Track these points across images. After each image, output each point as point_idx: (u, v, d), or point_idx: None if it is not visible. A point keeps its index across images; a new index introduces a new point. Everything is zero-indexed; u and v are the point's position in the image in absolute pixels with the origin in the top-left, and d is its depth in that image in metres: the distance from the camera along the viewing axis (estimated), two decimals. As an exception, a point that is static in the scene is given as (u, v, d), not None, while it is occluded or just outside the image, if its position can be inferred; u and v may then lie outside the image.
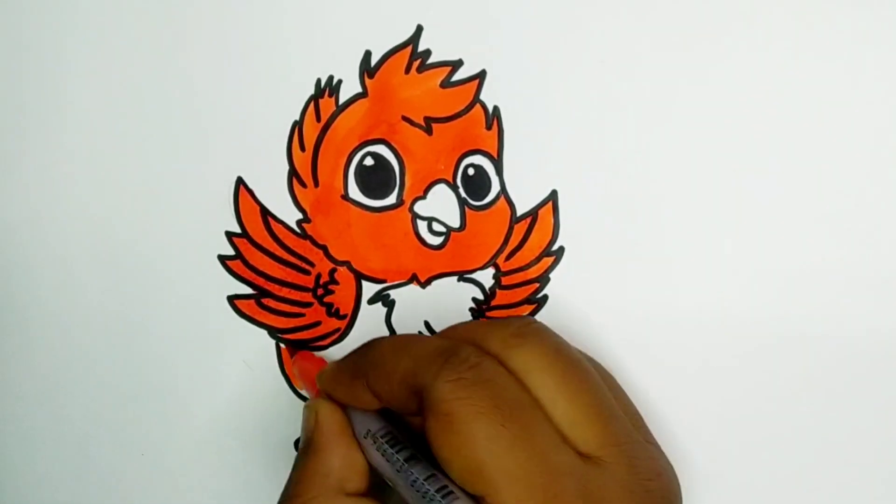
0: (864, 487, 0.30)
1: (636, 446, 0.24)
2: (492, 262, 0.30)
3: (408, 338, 0.26)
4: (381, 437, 0.25)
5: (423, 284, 0.31)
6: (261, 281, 0.31)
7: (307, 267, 0.31)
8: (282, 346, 0.31)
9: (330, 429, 0.26)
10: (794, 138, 0.29)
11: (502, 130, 0.30)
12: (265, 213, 0.30)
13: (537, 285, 0.30)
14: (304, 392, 0.31)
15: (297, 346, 0.31)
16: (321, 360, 0.30)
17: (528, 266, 0.30)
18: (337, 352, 0.31)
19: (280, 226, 0.30)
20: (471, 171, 0.30)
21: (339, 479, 0.25)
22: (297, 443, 0.31)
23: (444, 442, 0.22)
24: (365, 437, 0.25)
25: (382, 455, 0.25)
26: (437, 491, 0.23)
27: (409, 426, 0.26)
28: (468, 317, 0.31)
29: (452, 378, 0.22)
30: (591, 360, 0.27)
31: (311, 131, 0.30)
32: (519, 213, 0.30)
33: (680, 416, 0.30)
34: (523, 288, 0.30)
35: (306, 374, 0.29)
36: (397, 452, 0.24)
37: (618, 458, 0.23)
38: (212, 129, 0.30)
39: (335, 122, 0.30)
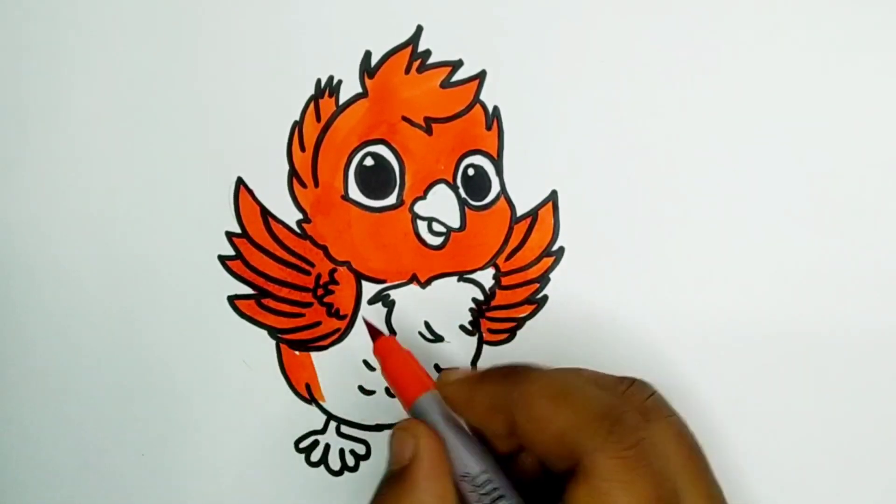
0: (866, 487, 0.30)
1: None
2: (492, 263, 0.30)
3: (567, 386, 0.23)
4: (482, 484, 0.24)
5: (423, 284, 0.31)
6: (261, 281, 0.31)
7: (307, 267, 0.31)
8: (282, 345, 0.31)
9: (431, 464, 0.24)
10: (795, 138, 0.29)
11: (502, 130, 0.30)
12: (265, 213, 0.30)
13: (537, 285, 0.30)
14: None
15: (297, 347, 0.31)
16: (414, 361, 0.27)
17: (528, 266, 0.30)
18: (337, 352, 0.31)
19: (280, 226, 0.30)
20: (471, 172, 0.30)
21: None
22: (297, 442, 0.31)
23: None
24: (463, 478, 0.24)
25: (478, 502, 0.23)
26: None
27: (496, 453, 0.25)
28: (468, 317, 0.31)
29: (618, 454, 0.21)
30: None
31: (311, 131, 0.30)
32: (519, 213, 0.30)
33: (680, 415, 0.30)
34: (523, 288, 0.30)
35: (396, 370, 0.27)
36: (494, 501, 0.23)
37: None
38: (212, 129, 0.30)
39: (335, 122, 0.30)
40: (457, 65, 0.30)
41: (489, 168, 0.30)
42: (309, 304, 0.31)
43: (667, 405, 0.23)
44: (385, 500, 0.24)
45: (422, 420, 0.25)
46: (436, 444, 0.24)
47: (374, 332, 0.29)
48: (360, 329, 0.31)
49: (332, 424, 0.31)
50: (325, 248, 0.30)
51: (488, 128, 0.30)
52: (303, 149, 0.30)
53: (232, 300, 0.31)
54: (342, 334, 0.31)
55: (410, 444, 0.24)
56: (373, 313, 0.31)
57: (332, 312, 0.31)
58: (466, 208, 0.30)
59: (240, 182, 0.30)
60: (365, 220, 0.30)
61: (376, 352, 0.28)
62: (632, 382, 0.24)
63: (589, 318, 0.30)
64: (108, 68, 0.30)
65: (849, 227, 0.29)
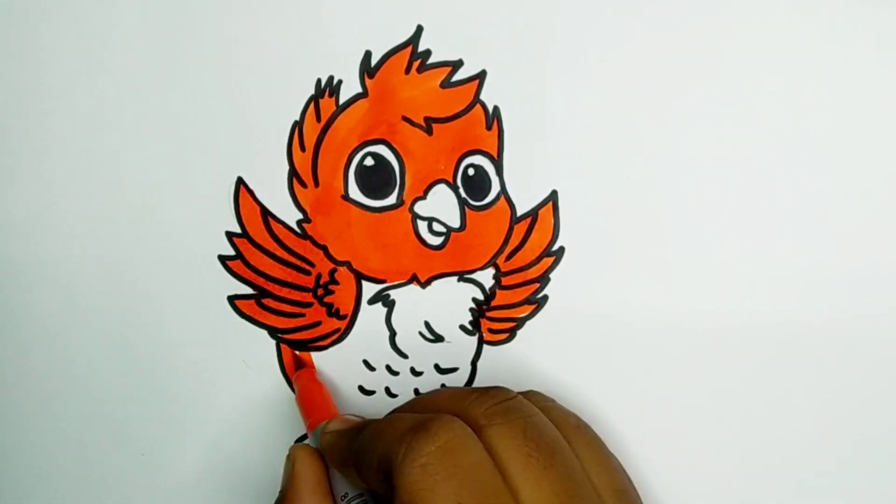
0: (866, 488, 0.30)
1: None
2: (492, 263, 0.30)
3: (388, 419, 0.25)
4: (358, 501, 0.25)
5: (424, 284, 0.31)
6: (261, 281, 0.31)
7: (307, 267, 0.31)
8: (283, 346, 0.31)
9: (305, 485, 0.25)
10: (795, 139, 0.29)
11: (502, 130, 0.30)
12: (265, 213, 0.30)
13: (537, 285, 0.30)
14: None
15: (297, 347, 0.31)
16: (323, 392, 0.30)
17: (529, 266, 0.30)
18: (336, 352, 0.31)
19: (280, 226, 0.30)
20: (471, 172, 0.30)
21: None
22: (297, 443, 0.31)
23: None
24: (342, 499, 0.25)
25: None
26: None
27: None
28: (468, 317, 0.31)
29: (419, 462, 0.21)
30: (579, 426, 0.26)
31: (311, 131, 0.30)
32: (519, 213, 0.30)
33: (679, 416, 0.30)
34: (523, 288, 0.30)
35: (306, 397, 0.29)
36: None
37: None
38: (212, 129, 0.30)
39: (335, 122, 0.30)
40: (457, 65, 0.30)
41: (489, 168, 0.30)
42: (309, 304, 0.31)
43: (517, 409, 0.24)
44: None
45: (306, 445, 0.27)
46: (311, 464, 0.26)
47: (297, 363, 0.31)
48: (359, 329, 0.31)
49: (332, 424, 0.31)
50: (325, 248, 0.30)
51: (488, 128, 0.30)
52: (303, 149, 0.30)
53: (232, 300, 0.31)
54: (342, 334, 0.31)
55: (289, 465, 0.26)
56: (373, 313, 0.31)
57: (332, 312, 0.31)
58: (466, 208, 0.30)
59: (240, 182, 0.30)
60: (365, 220, 0.30)
61: (295, 380, 0.30)
62: (486, 390, 0.24)
63: (589, 318, 0.30)
64: (107, 68, 0.30)
65: (849, 227, 0.29)
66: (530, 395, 0.26)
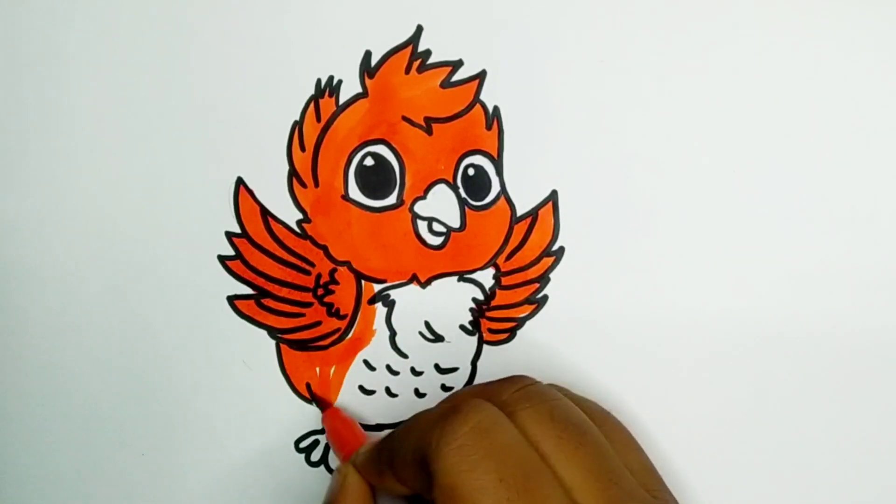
0: (866, 488, 0.30)
1: None
2: (492, 262, 0.30)
3: (416, 416, 0.25)
4: None
5: (424, 284, 0.31)
6: (261, 281, 0.31)
7: (307, 267, 0.31)
8: (282, 346, 0.31)
9: (353, 498, 0.26)
10: (795, 139, 0.29)
11: (502, 130, 0.30)
12: (265, 213, 0.30)
13: (537, 285, 0.30)
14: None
15: (297, 347, 0.31)
16: (351, 425, 0.30)
17: (529, 266, 0.30)
18: (336, 352, 0.31)
19: (280, 226, 0.30)
20: (471, 171, 0.30)
21: None
22: (297, 442, 0.31)
23: None
24: None
25: None
26: None
27: None
28: (468, 317, 0.31)
29: (454, 445, 0.21)
30: (602, 411, 0.26)
31: (311, 131, 0.30)
32: (519, 213, 0.30)
33: (678, 416, 0.30)
34: (523, 288, 0.30)
35: (336, 434, 0.29)
36: None
37: None
38: (212, 129, 0.30)
39: (335, 122, 0.30)
40: (457, 65, 0.30)
41: (489, 168, 0.30)
42: (309, 304, 0.31)
43: (541, 392, 0.24)
44: None
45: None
46: (360, 482, 0.26)
47: (323, 404, 0.31)
48: (360, 329, 0.31)
49: (333, 424, 0.31)
50: (325, 248, 0.30)
51: (488, 128, 0.30)
52: (303, 149, 0.30)
53: (232, 300, 0.31)
54: (342, 334, 0.31)
55: (338, 480, 0.26)
56: (373, 313, 0.31)
57: (333, 312, 0.31)
58: (466, 208, 0.30)
59: (240, 182, 0.30)
60: (365, 219, 0.30)
61: (323, 421, 0.31)
62: (508, 378, 0.25)
63: (589, 318, 0.30)
64: (107, 68, 0.30)
65: (849, 227, 0.29)
66: (550, 387, 0.26)
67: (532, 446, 0.22)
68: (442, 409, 0.23)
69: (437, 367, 0.31)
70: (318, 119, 0.30)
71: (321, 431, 0.31)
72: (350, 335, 0.31)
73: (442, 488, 0.21)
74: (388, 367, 0.31)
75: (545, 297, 0.30)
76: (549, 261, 0.30)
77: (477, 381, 0.31)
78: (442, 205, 0.30)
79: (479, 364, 0.31)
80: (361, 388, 0.31)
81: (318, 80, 0.30)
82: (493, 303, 0.31)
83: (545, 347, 0.30)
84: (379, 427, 0.31)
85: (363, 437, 0.29)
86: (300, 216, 0.30)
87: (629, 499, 0.23)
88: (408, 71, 0.30)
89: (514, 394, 0.24)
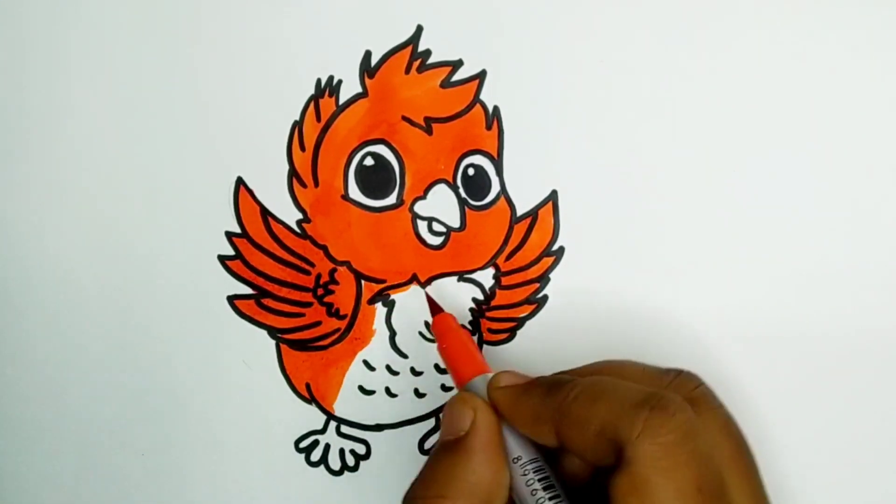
0: (866, 488, 0.30)
1: None
2: (492, 262, 0.30)
3: (605, 383, 0.23)
4: (532, 471, 0.24)
5: (423, 284, 0.31)
6: (261, 281, 0.31)
7: (307, 267, 0.31)
8: (282, 344, 0.31)
9: (488, 438, 0.24)
10: (796, 138, 0.29)
11: (502, 130, 0.30)
12: (265, 213, 0.30)
13: (537, 285, 0.30)
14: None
15: (297, 347, 0.31)
16: (471, 342, 0.28)
17: (529, 266, 0.30)
18: (336, 352, 0.31)
19: (280, 226, 0.30)
20: (471, 171, 0.30)
21: (489, 494, 0.23)
22: (297, 442, 0.31)
23: (632, 502, 0.21)
24: (515, 461, 0.24)
25: (527, 487, 0.23)
26: None
27: (555, 464, 0.25)
28: (468, 317, 0.31)
29: (660, 440, 0.21)
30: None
31: (311, 131, 0.30)
32: (519, 213, 0.30)
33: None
34: (523, 288, 0.30)
35: (456, 347, 0.27)
36: (548, 496, 0.23)
37: None
38: (212, 129, 0.30)
39: (335, 122, 0.30)
40: (457, 65, 0.30)
41: (489, 168, 0.30)
42: (309, 304, 0.31)
43: (714, 396, 0.24)
44: (439, 468, 0.24)
45: (485, 400, 0.25)
46: (492, 419, 0.24)
47: (434, 307, 0.29)
48: (360, 329, 0.31)
49: (332, 424, 0.31)
50: (325, 248, 0.30)
51: (488, 128, 0.30)
52: (303, 149, 0.30)
53: (232, 300, 0.31)
54: (342, 334, 0.31)
55: (468, 415, 0.24)
56: (373, 313, 0.31)
57: (332, 312, 0.31)
58: (466, 208, 0.30)
59: (240, 182, 0.30)
60: (365, 219, 0.30)
61: (434, 328, 0.29)
62: (679, 373, 0.24)
63: (588, 317, 0.30)
64: (108, 68, 0.30)
65: (849, 226, 0.29)
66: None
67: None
68: (641, 392, 0.22)
69: (437, 367, 0.31)
70: (318, 119, 0.30)
71: (321, 431, 0.31)
72: (350, 335, 0.31)
73: (635, 476, 0.21)
74: (388, 367, 0.31)
75: (545, 297, 0.30)
76: (549, 261, 0.30)
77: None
78: (442, 205, 0.30)
79: (479, 364, 0.31)
80: (361, 388, 0.31)
81: (318, 80, 0.30)
82: (493, 303, 0.31)
83: (545, 347, 0.30)
84: (379, 427, 0.31)
85: (485, 362, 0.27)
86: (300, 216, 0.30)
87: None
88: (408, 71, 0.30)
89: (691, 393, 0.23)
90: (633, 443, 0.21)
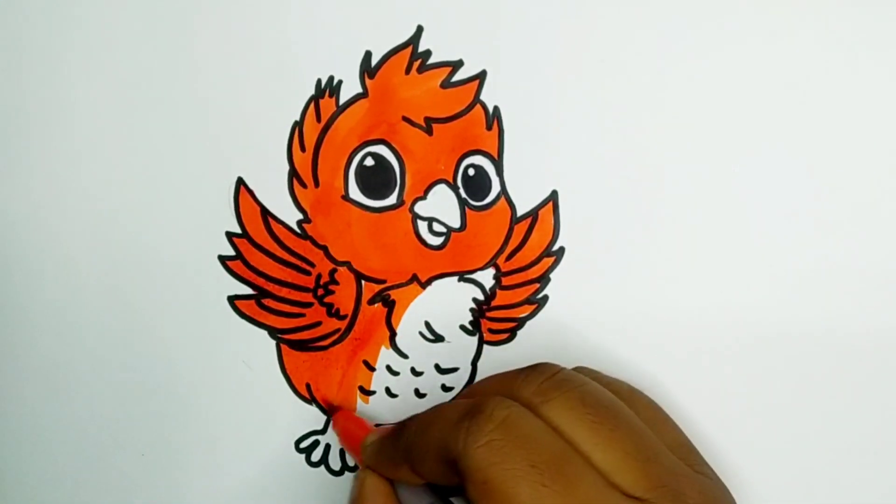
0: (865, 488, 0.30)
1: (683, 481, 0.23)
2: (492, 263, 0.30)
3: (435, 409, 0.25)
4: None
5: (424, 285, 0.31)
6: (261, 281, 0.31)
7: (307, 267, 0.31)
8: (283, 346, 0.31)
9: (376, 501, 0.26)
10: (796, 138, 0.29)
11: (502, 130, 0.30)
12: (265, 213, 0.30)
13: (538, 285, 0.30)
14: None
15: (297, 347, 0.31)
16: (362, 422, 0.30)
17: (529, 266, 0.30)
18: (336, 353, 0.31)
19: (280, 226, 0.30)
20: (471, 172, 0.30)
21: None
22: (297, 442, 0.31)
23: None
24: None
25: None
26: None
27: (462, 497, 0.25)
28: (468, 317, 0.31)
29: (482, 442, 0.21)
30: (632, 391, 0.26)
31: (311, 131, 0.30)
32: (519, 213, 0.30)
33: (678, 416, 0.30)
34: (524, 288, 0.30)
35: (348, 434, 0.29)
36: None
37: (665, 498, 0.22)
38: (212, 129, 0.30)
39: (335, 122, 0.30)
40: (457, 65, 0.30)
41: (489, 168, 0.30)
42: (309, 304, 0.31)
43: (569, 380, 0.24)
44: None
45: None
46: (377, 482, 0.26)
47: (331, 408, 0.31)
48: (360, 329, 0.31)
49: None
50: (325, 248, 0.30)
51: (488, 128, 0.30)
52: (303, 149, 0.30)
53: (232, 300, 0.31)
54: (342, 334, 0.31)
55: (356, 486, 0.26)
56: (373, 313, 0.31)
57: (333, 312, 0.31)
58: (467, 208, 0.30)
59: (240, 182, 0.30)
60: (365, 220, 0.30)
61: (334, 426, 0.31)
62: (533, 368, 0.25)
63: (589, 318, 0.30)
64: (107, 68, 0.30)
65: (849, 227, 0.29)
66: (577, 370, 0.26)
67: (563, 435, 0.22)
68: (463, 405, 0.23)
69: (437, 367, 0.31)
70: (319, 119, 0.30)
71: (321, 431, 0.31)
72: (350, 335, 0.31)
73: (476, 484, 0.21)
74: (388, 368, 0.31)
75: (545, 298, 0.30)
76: (549, 261, 0.30)
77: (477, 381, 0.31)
78: (442, 205, 0.30)
79: (480, 364, 0.31)
80: (361, 388, 0.31)
81: (318, 80, 0.30)
82: (494, 303, 0.31)
83: (545, 347, 0.30)
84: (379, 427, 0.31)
85: (370, 428, 0.29)
86: (300, 216, 0.30)
87: (671, 475, 0.23)
88: (408, 71, 0.30)
89: (542, 384, 0.24)
90: (461, 455, 0.22)
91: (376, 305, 0.31)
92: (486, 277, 0.31)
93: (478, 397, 0.23)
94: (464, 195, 0.30)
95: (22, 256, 0.31)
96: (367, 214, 0.30)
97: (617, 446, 0.22)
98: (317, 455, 0.31)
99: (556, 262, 0.30)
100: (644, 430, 0.24)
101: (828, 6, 0.28)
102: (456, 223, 0.30)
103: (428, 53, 0.30)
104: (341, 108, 0.30)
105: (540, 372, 0.24)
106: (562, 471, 0.21)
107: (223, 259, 0.31)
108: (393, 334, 0.31)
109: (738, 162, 0.29)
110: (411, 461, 0.24)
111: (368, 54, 0.30)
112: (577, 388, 0.24)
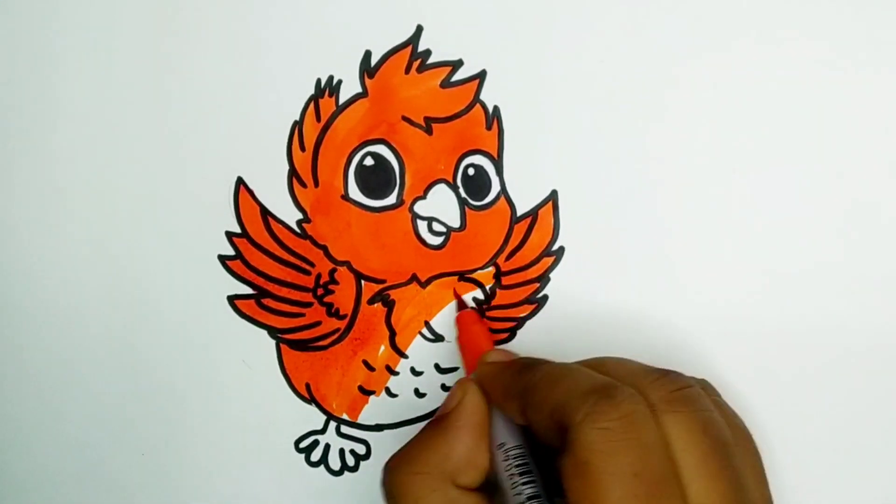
0: (865, 487, 0.30)
1: None
2: (492, 262, 0.30)
3: (566, 369, 0.24)
4: (513, 457, 0.24)
5: (423, 284, 0.31)
6: (261, 281, 0.31)
7: (307, 267, 0.31)
8: (283, 344, 0.31)
9: (469, 418, 0.25)
10: (796, 138, 0.29)
11: (502, 130, 0.30)
12: (265, 213, 0.30)
13: (537, 285, 0.30)
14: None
15: (297, 347, 0.31)
16: (486, 331, 0.29)
17: (529, 266, 0.30)
18: (336, 352, 0.31)
19: (280, 226, 0.30)
20: (471, 171, 0.30)
21: (455, 468, 0.24)
22: (297, 442, 0.31)
23: (575, 486, 0.21)
24: (498, 448, 0.25)
25: (506, 472, 0.24)
26: None
27: (545, 454, 0.25)
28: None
29: (601, 425, 0.21)
30: (746, 434, 0.26)
31: (311, 131, 0.30)
32: (519, 213, 0.30)
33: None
34: (523, 288, 0.30)
35: (469, 338, 0.29)
36: (522, 482, 0.24)
37: None
38: (212, 129, 0.30)
39: (335, 122, 0.30)
40: (457, 65, 0.30)
41: (489, 168, 0.30)
42: (309, 304, 0.31)
43: (698, 400, 0.24)
44: (421, 438, 0.25)
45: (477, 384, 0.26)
46: (480, 401, 0.26)
47: (460, 304, 0.30)
48: (360, 329, 0.31)
49: (332, 424, 0.31)
50: (325, 248, 0.30)
51: (488, 128, 0.30)
52: (303, 149, 0.30)
53: (232, 300, 0.31)
54: (342, 334, 0.31)
55: (458, 395, 0.26)
56: (373, 313, 0.31)
57: (332, 312, 0.31)
58: (466, 208, 0.30)
59: (240, 182, 0.30)
60: (365, 220, 0.30)
61: (457, 321, 0.30)
62: (665, 373, 0.24)
63: (589, 317, 0.30)
64: (107, 68, 0.30)
65: (849, 227, 0.29)
66: (703, 386, 0.26)
67: (672, 452, 0.22)
68: (597, 381, 0.23)
69: (437, 367, 0.31)
70: (318, 119, 0.30)
71: (321, 431, 0.31)
72: (350, 335, 0.31)
73: (575, 460, 0.21)
74: (388, 368, 0.31)
75: (545, 297, 0.30)
76: (548, 261, 0.30)
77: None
78: (442, 205, 0.30)
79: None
80: (361, 388, 0.31)
81: (318, 80, 0.30)
82: (494, 303, 0.31)
83: (545, 347, 0.30)
84: (379, 427, 0.31)
85: (492, 344, 0.29)
86: (300, 216, 0.30)
87: None
88: (408, 71, 0.30)
89: (672, 394, 0.23)
90: (576, 426, 0.22)
91: (376, 305, 0.31)
92: (486, 277, 0.30)
93: (611, 380, 0.23)
94: (463, 195, 0.30)
95: (21, 257, 0.31)
96: (367, 214, 0.30)
97: (718, 487, 0.22)
98: (316, 455, 0.31)
99: (556, 262, 0.30)
100: (746, 481, 0.23)
101: (828, 7, 0.28)
102: (456, 223, 0.30)
103: (428, 53, 0.30)
104: (341, 108, 0.30)
105: (671, 380, 0.24)
106: (656, 494, 0.21)
107: (223, 259, 0.31)
108: (393, 334, 0.31)
109: (738, 162, 0.29)
110: (525, 402, 0.24)
111: (368, 54, 0.30)
112: (703, 412, 0.23)
